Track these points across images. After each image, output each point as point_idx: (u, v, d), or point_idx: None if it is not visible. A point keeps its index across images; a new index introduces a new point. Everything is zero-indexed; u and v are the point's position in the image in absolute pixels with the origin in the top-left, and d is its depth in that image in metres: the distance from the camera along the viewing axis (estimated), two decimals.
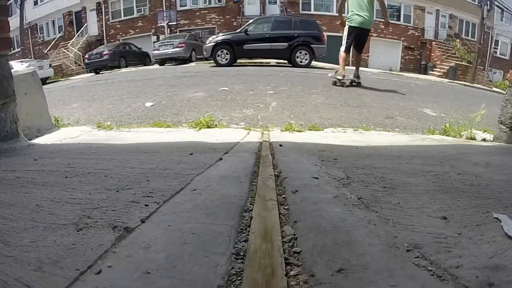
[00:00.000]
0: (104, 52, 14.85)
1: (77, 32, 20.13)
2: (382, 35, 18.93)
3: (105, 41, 19.41)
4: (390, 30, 18.97)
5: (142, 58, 16.68)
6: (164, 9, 18.98)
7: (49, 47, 19.66)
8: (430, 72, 17.06)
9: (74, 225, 0.75)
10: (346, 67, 5.27)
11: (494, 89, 14.21)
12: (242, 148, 1.85)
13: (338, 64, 5.24)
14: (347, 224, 0.78)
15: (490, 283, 0.53)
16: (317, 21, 12.12)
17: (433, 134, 2.74)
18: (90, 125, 2.87)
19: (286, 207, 0.94)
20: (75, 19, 20.55)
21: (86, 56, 15.73)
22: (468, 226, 0.78)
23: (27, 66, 9.76)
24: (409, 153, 1.78)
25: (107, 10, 19.76)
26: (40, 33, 21.65)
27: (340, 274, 0.58)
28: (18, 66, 9.27)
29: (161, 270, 0.58)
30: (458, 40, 18.69)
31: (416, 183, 1.14)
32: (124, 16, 19.68)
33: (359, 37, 5.36)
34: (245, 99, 4.05)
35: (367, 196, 0.99)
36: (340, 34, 5.40)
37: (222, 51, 9.91)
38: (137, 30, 19.58)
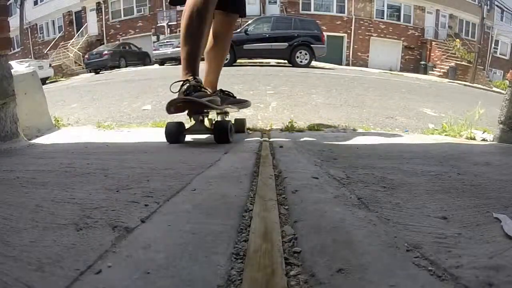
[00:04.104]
0: (104, 52, 14.88)
1: (77, 32, 20.15)
2: (382, 35, 18.93)
3: (105, 41, 19.43)
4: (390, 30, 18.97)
5: (142, 58, 16.69)
6: (164, 9, 18.99)
7: (49, 47, 19.69)
8: (430, 72, 17.07)
9: (74, 225, 0.75)
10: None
11: (494, 89, 14.22)
12: (242, 148, 1.85)
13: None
14: (347, 224, 0.78)
15: (490, 283, 0.53)
16: (317, 21, 12.13)
17: (433, 134, 2.74)
18: (90, 125, 2.87)
19: (286, 207, 0.94)
20: (75, 19, 20.58)
21: (86, 56, 15.76)
22: (468, 226, 0.78)
23: (27, 66, 9.76)
24: (409, 153, 1.78)
25: (107, 10, 19.78)
26: (40, 33, 21.67)
27: (340, 274, 0.58)
28: (18, 66, 9.27)
29: (161, 270, 0.58)
30: (458, 40, 18.70)
31: (416, 183, 1.14)
32: (124, 16, 19.70)
33: None
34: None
35: (367, 196, 0.99)
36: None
37: None
38: (137, 30, 19.59)
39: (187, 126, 1.89)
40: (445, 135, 2.70)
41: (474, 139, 2.57)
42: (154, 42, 16.77)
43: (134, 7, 19.49)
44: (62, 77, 14.89)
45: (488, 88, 14.06)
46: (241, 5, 2.12)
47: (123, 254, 0.63)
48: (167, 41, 14.44)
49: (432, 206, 0.92)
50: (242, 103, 2.26)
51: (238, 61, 10.21)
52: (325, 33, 11.39)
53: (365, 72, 10.80)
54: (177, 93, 1.75)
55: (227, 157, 1.58)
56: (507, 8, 19.58)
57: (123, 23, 19.68)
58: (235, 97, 2.22)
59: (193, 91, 1.68)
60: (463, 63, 16.76)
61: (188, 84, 1.69)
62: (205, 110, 1.79)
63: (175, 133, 1.83)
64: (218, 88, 2.19)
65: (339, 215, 0.83)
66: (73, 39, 19.58)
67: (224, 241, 0.70)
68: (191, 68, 1.78)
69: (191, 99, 1.66)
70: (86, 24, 20.17)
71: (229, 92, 2.21)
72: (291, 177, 1.20)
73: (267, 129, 2.70)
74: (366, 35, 18.68)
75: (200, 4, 1.71)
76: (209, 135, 1.88)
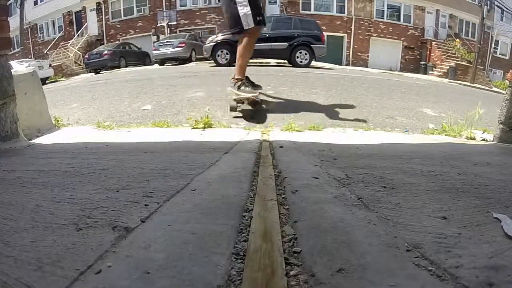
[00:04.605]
0: (104, 52, 14.85)
1: (77, 32, 20.12)
2: (382, 35, 18.93)
3: (105, 41, 19.41)
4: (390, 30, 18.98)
5: (142, 58, 16.67)
6: (164, 9, 18.97)
7: (49, 47, 19.66)
8: (430, 72, 17.05)
9: (74, 225, 0.75)
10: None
11: (494, 89, 14.22)
12: (242, 148, 1.85)
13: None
14: (347, 224, 0.78)
15: (490, 283, 0.53)
16: (317, 21, 12.11)
17: (433, 134, 2.74)
18: (90, 125, 2.87)
19: (286, 207, 0.94)
20: (75, 19, 20.54)
21: (86, 56, 15.73)
22: (468, 226, 0.78)
23: (27, 66, 9.76)
24: (409, 153, 1.78)
25: (107, 10, 19.75)
26: (40, 33, 21.65)
27: (340, 274, 0.58)
28: (18, 66, 9.27)
29: (161, 270, 0.58)
30: (458, 40, 18.68)
31: (416, 183, 1.14)
32: (124, 16, 19.67)
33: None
34: None
35: (367, 196, 0.99)
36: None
37: (222, 51, 9.91)
38: (137, 30, 19.56)
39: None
40: (445, 135, 2.70)
41: (474, 139, 2.57)
42: (154, 42, 16.74)
43: (134, 7, 19.47)
44: (62, 77, 14.87)
45: (488, 88, 14.05)
46: (264, 18, 3.14)
47: (123, 254, 0.64)
48: (167, 41, 14.41)
49: (432, 206, 0.92)
50: (258, 88, 3.31)
51: None
52: (325, 33, 11.38)
53: (365, 72, 10.79)
54: (235, 87, 3.11)
55: (227, 157, 1.58)
56: (507, 8, 19.55)
57: (123, 23, 19.65)
58: (253, 83, 3.27)
59: (246, 87, 3.12)
60: (463, 63, 16.74)
61: (240, 82, 3.11)
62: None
63: (234, 107, 3.17)
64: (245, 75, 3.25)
65: (339, 215, 0.83)
66: (73, 39, 19.55)
67: (224, 241, 0.70)
68: (243, 73, 3.16)
69: (248, 97, 3.14)
70: (86, 24, 20.13)
71: (251, 80, 3.28)
72: (291, 177, 1.20)
73: (267, 129, 2.70)
74: (366, 35, 18.68)
75: (251, 39, 3.06)
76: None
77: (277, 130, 2.68)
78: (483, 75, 16.90)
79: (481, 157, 1.68)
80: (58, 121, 2.77)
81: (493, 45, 20.85)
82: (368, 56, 18.92)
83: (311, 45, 10.44)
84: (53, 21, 21.27)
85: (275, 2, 18.54)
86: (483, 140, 2.54)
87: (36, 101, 2.46)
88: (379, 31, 18.92)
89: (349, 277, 0.57)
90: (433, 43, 18.77)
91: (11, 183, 1.09)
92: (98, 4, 19.81)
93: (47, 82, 11.34)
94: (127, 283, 0.55)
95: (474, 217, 0.84)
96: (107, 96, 4.74)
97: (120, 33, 19.78)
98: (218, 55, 9.91)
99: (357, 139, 2.27)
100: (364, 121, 3.16)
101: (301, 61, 10.25)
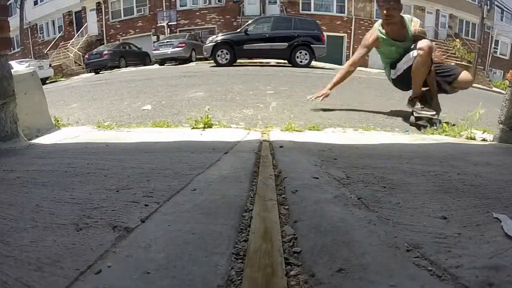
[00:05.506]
0: (104, 52, 14.84)
1: (77, 32, 20.13)
2: None
3: (105, 41, 19.41)
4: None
5: (142, 58, 16.67)
6: (164, 9, 18.98)
7: (49, 47, 19.67)
8: None
9: (74, 225, 0.76)
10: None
11: (494, 89, 14.21)
12: (242, 148, 1.85)
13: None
14: (347, 224, 0.78)
15: (490, 283, 0.53)
16: (317, 21, 12.11)
17: (433, 134, 2.74)
18: (90, 125, 2.87)
19: (286, 207, 0.94)
20: (75, 19, 20.55)
21: (86, 56, 15.72)
22: (468, 226, 0.78)
23: (27, 66, 9.75)
24: (409, 153, 1.78)
25: (107, 10, 19.76)
26: (40, 33, 21.65)
27: (340, 274, 0.58)
28: (18, 66, 9.26)
29: (161, 270, 0.58)
30: (458, 40, 18.68)
31: (416, 183, 1.15)
32: (124, 16, 19.68)
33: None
34: (245, 99, 4.05)
35: (367, 196, 0.99)
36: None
37: (222, 51, 9.91)
38: (137, 30, 19.57)
39: None
40: (445, 135, 2.70)
41: (474, 139, 2.57)
42: (154, 42, 16.73)
43: (134, 7, 19.47)
44: (62, 77, 14.85)
45: (488, 88, 14.05)
46: None
47: (123, 254, 0.64)
48: (167, 41, 14.40)
49: (432, 206, 0.92)
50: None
51: (238, 61, 10.22)
52: (325, 33, 11.39)
53: (365, 72, 10.80)
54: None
55: (227, 157, 1.58)
56: (507, 8, 19.55)
57: (123, 23, 19.66)
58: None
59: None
60: (463, 63, 16.74)
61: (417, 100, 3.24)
62: None
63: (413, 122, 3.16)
64: None
65: (339, 215, 0.83)
66: (73, 39, 19.55)
67: (224, 241, 0.70)
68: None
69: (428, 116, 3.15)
70: (86, 24, 20.13)
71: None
72: (291, 177, 1.20)
73: (267, 129, 2.70)
74: None
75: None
76: None
77: (277, 130, 2.68)
78: (483, 75, 16.90)
79: (481, 157, 1.68)
80: (58, 121, 2.77)
81: (493, 45, 20.84)
82: (368, 56, 18.93)
83: (311, 45, 10.43)
84: (53, 21, 21.27)
85: (275, 2, 18.54)
86: (483, 140, 2.54)
87: (36, 101, 2.46)
88: None
89: (349, 277, 0.57)
90: (433, 43, 18.77)
91: (11, 183, 1.10)
92: (98, 4, 19.81)
93: (47, 82, 11.34)
94: (127, 283, 0.55)
95: (474, 217, 0.84)
96: (107, 96, 4.74)
97: (120, 33, 19.78)
98: (218, 55, 9.91)
99: (357, 139, 2.27)
100: (364, 121, 3.16)
101: (301, 61, 10.25)
